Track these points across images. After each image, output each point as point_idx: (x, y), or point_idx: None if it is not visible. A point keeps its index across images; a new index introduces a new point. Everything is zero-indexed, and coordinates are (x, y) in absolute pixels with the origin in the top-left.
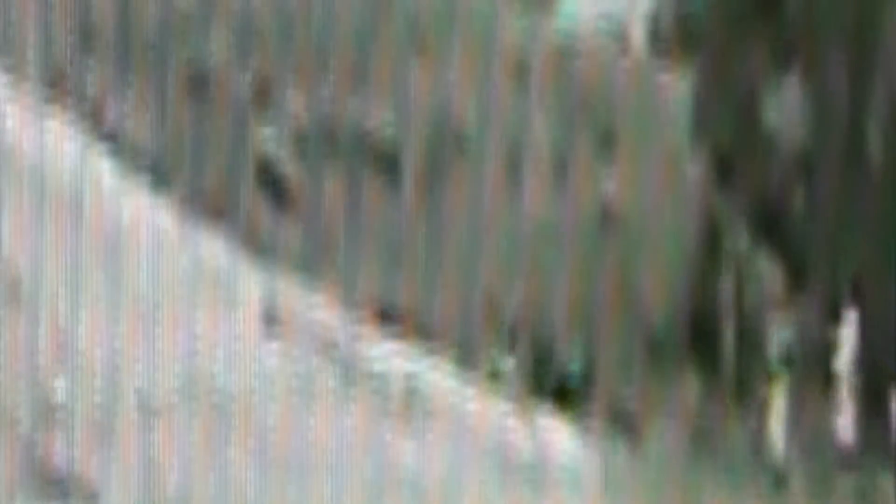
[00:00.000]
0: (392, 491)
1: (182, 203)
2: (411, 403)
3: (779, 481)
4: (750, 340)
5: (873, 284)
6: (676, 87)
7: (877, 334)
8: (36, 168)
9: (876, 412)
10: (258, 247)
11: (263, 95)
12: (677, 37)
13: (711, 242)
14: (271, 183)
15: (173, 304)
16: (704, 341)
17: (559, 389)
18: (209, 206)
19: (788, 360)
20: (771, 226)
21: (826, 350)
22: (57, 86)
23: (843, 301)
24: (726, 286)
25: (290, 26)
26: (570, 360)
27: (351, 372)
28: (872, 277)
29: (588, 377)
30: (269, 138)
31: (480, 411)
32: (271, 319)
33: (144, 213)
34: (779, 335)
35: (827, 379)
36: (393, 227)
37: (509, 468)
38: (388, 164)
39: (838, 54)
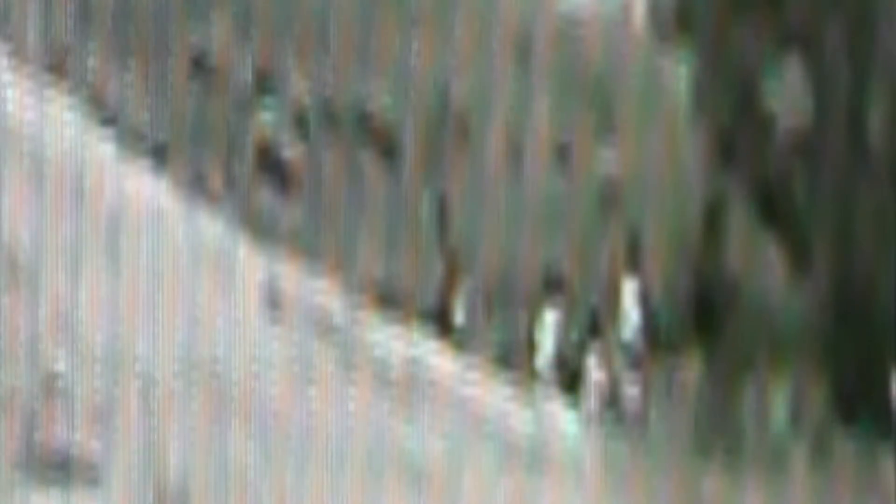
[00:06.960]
0: (392, 474)
1: (183, 186)
2: (412, 387)
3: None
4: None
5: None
6: (677, 67)
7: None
8: (37, 150)
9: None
10: (259, 229)
11: (264, 78)
12: (678, 18)
13: (712, 222)
14: (272, 165)
15: (174, 287)
16: (706, 320)
17: (561, 373)
18: (210, 188)
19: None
20: (771, 205)
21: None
22: (58, 69)
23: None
24: (728, 265)
25: (291, 9)
26: (572, 343)
27: (351, 356)
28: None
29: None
30: (269, 121)
31: (481, 395)
32: (272, 303)
33: (145, 195)
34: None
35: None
36: (394, 209)
37: (510, 451)
38: (388, 146)
39: (838, 36)
